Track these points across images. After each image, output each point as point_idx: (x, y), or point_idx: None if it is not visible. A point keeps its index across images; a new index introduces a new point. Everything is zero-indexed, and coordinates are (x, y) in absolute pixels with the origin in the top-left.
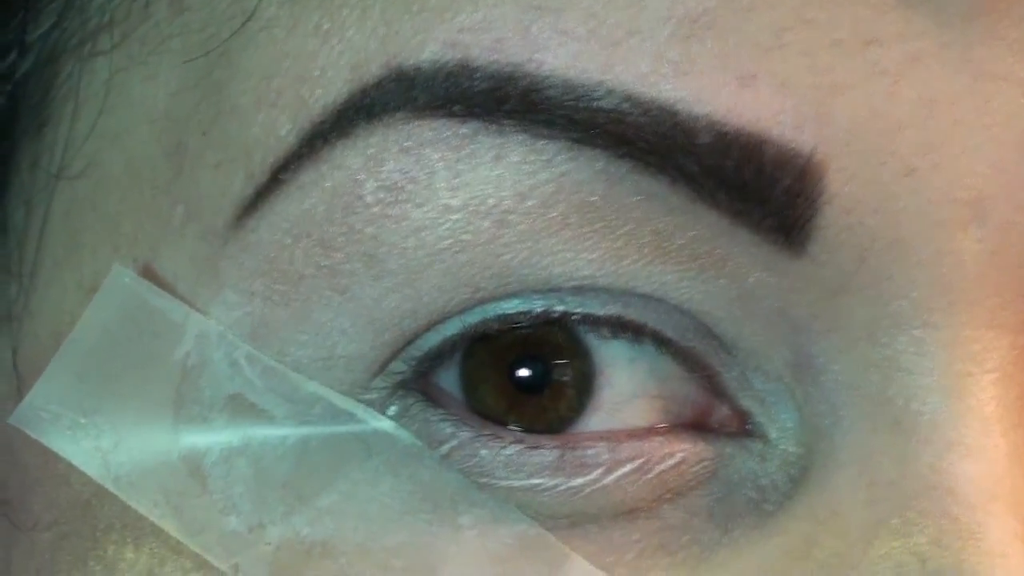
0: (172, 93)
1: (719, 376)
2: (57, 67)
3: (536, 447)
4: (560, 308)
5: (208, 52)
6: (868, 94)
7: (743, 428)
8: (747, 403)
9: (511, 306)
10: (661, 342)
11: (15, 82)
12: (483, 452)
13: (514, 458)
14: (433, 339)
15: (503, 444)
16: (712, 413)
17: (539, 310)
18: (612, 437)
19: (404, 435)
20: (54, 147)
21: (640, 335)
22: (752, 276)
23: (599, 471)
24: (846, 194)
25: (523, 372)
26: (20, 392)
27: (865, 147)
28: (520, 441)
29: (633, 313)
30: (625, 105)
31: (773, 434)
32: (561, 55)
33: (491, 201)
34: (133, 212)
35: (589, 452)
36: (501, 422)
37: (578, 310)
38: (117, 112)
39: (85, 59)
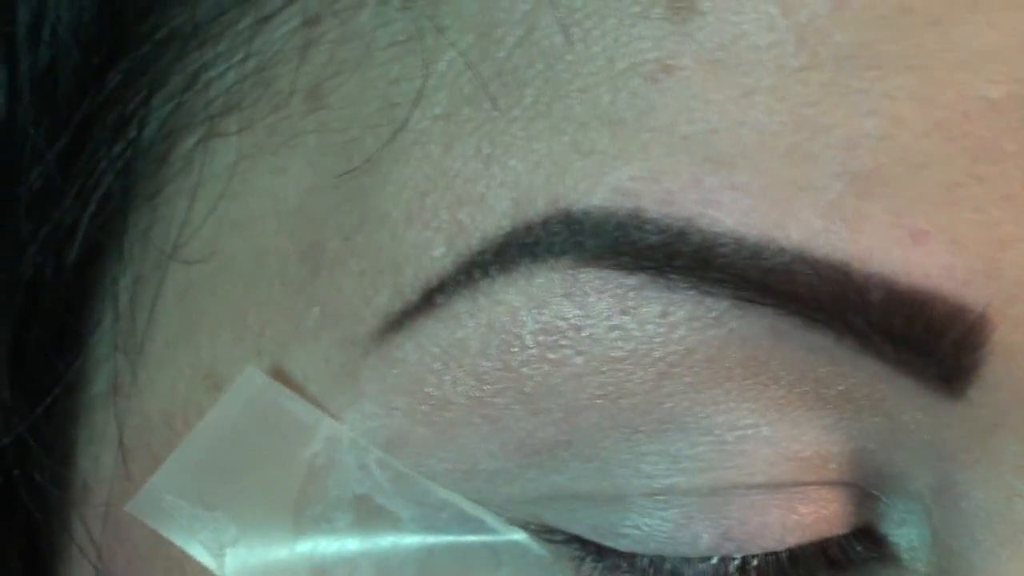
0: (306, 190)
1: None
2: (175, 142)
3: None
4: None
5: (351, 157)
6: None
7: (877, 549)
8: (884, 525)
9: None
10: None
11: (132, 155)
12: None
13: None
14: None
15: None
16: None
17: None
18: None
19: (535, 547)
20: (168, 224)
21: None
22: (906, 415)
23: None
24: (1012, 343)
25: None
26: (126, 466)
27: None
28: None
29: None
30: (796, 264)
31: (905, 556)
32: (733, 211)
33: (656, 354)
34: (260, 305)
35: None
36: None
37: None
38: (242, 199)
39: (207, 139)
